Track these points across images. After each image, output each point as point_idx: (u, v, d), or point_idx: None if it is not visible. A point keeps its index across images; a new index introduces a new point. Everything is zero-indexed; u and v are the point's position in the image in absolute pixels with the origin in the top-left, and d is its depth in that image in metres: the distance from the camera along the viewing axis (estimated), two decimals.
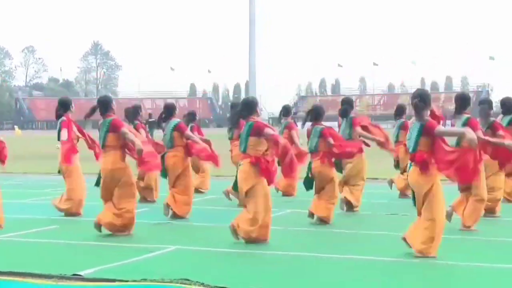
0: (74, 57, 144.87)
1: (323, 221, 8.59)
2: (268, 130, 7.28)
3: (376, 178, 13.43)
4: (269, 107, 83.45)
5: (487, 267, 6.12)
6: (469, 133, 6.38)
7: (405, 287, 5.53)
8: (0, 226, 8.34)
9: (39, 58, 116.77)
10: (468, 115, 7.89)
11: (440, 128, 6.40)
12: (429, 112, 6.52)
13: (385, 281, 5.64)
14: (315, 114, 8.91)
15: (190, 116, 12.33)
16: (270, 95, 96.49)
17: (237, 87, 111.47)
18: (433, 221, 6.32)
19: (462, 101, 8.08)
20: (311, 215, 8.67)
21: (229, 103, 71.43)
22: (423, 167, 6.37)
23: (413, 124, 6.62)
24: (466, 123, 7.78)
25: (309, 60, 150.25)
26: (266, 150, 7.27)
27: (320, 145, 8.69)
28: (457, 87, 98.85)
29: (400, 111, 11.47)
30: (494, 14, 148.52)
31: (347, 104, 10.13)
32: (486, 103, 8.90)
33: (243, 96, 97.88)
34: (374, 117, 68.87)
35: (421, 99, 6.48)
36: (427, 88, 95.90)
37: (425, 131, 6.38)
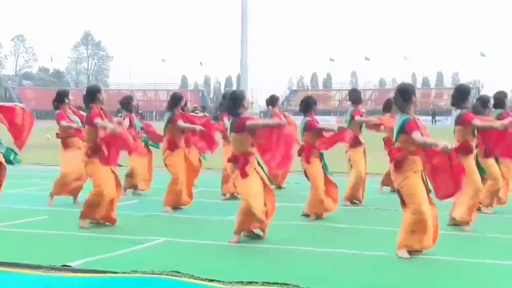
0: (65, 47, 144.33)
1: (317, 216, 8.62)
2: (252, 122, 7.11)
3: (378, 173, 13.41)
4: (260, 100, 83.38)
5: (483, 263, 6.14)
6: (441, 143, 6.17)
7: (397, 281, 5.53)
8: None
9: (29, 48, 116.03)
10: (462, 110, 7.85)
11: (416, 134, 6.23)
12: (411, 108, 6.40)
13: (378, 276, 5.65)
14: (304, 106, 8.73)
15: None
16: (261, 88, 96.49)
17: (228, 80, 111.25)
18: (413, 215, 6.29)
19: (461, 93, 7.87)
20: (306, 215, 8.68)
21: (221, 96, 71.18)
22: (396, 164, 6.36)
23: (397, 118, 6.55)
24: (458, 120, 7.78)
25: (301, 54, 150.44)
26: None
27: (305, 138, 8.64)
28: (448, 83, 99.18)
29: (388, 106, 11.48)
30: (486, 11, 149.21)
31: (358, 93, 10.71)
32: (479, 100, 8.89)
33: (234, 88, 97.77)
34: (365, 112, 68.73)
35: (401, 94, 6.41)
36: (418, 84, 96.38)
37: (404, 129, 6.34)
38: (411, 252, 6.34)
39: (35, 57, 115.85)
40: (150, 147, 11.31)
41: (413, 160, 6.35)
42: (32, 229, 7.81)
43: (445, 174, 6.37)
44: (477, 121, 7.79)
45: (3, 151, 8.47)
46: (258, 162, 7.25)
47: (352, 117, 10.07)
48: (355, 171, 9.93)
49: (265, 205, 7.11)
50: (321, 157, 8.66)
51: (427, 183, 6.48)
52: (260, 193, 7.09)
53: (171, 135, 9.29)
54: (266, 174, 7.30)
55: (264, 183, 7.18)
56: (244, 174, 7.01)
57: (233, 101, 7.21)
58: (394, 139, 6.51)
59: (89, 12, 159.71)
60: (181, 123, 9.23)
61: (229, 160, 7.25)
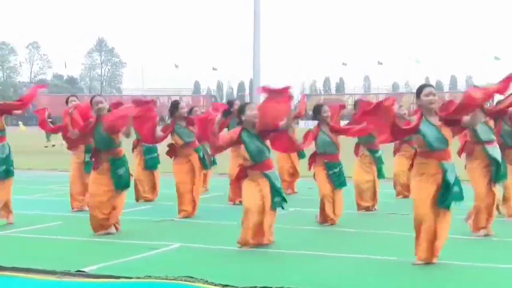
0: (78, 54, 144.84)
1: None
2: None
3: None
4: None
5: (492, 268, 6.09)
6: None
7: (407, 286, 5.50)
8: (10, 222, 8.43)
9: (44, 55, 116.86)
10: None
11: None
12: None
13: (391, 281, 5.62)
14: (315, 112, 8.62)
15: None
16: None
17: (241, 85, 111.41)
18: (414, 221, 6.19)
19: None
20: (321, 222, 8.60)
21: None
22: (410, 166, 6.33)
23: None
24: None
25: (314, 59, 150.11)
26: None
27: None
28: (461, 87, 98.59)
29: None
30: (500, 14, 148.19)
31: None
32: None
33: (247, 93, 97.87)
34: None
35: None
36: None
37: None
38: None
39: (50, 64, 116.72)
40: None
41: (421, 162, 6.09)
42: (46, 234, 7.85)
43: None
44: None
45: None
46: (272, 183, 6.94)
47: None
48: (354, 179, 9.87)
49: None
50: (328, 167, 8.44)
51: (444, 187, 6.01)
52: (255, 210, 6.85)
53: (172, 143, 9.34)
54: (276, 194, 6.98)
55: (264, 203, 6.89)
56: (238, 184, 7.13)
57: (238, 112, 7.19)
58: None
59: (103, 19, 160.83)
60: (157, 132, 8.82)
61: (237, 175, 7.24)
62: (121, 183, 7.78)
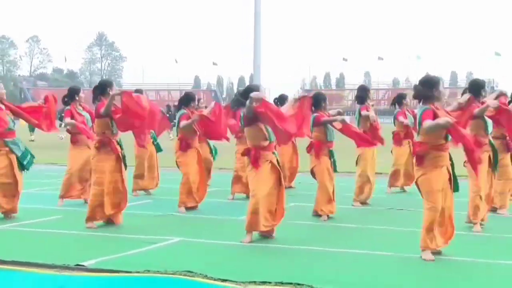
0: (78, 48, 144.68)
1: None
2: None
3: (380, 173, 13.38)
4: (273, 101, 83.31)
5: (496, 264, 6.09)
6: None
7: (407, 282, 5.50)
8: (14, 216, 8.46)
9: (44, 48, 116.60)
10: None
11: (425, 123, 6.15)
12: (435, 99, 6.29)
13: (390, 276, 5.63)
14: (314, 102, 8.43)
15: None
16: (274, 88, 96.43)
17: (241, 80, 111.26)
18: (430, 212, 6.19)
19: (474, 88, 7.67)
20: (317, 214, 8.64)
21: (234, 95, 70.79)
22: (417, 159, 6.29)
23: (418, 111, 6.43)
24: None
25: (314, 54, 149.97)
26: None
27: (314, 134, 8.54)
28: (462, 83, 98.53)
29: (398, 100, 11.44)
30: (501, 9, 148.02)
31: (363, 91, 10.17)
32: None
33: None
34: (379, 111, 68.48)
35: (423, 85, 6.24)
36: None
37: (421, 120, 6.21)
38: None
39: (50, 58, 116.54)
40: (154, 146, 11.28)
41: (437, 155, 6.15)
42: (46, 228, 7.85)
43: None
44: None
45: (19, 153, 8.53)
46: (277, 161, 7.18)
47: (360, 113, 9.97)
48: (359, 170, 9.84)
49: (276, 204, 7.07)
50: (330, 154, 8.58)
51: (453, 176, 6.29)
52: (269, 192, 7.01)
53: (183, 135, 9.29)
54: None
55: (279, 182, 7.10)
56: (256, 166, 6.97)
57: (243, 94, 7.17)
58: (417, 133, 6.39)
59: (103, 13, 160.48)
60: (183, 123, 9.17)
61: (243, 154, 7.25)
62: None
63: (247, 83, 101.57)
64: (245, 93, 7.10)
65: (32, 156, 8.71)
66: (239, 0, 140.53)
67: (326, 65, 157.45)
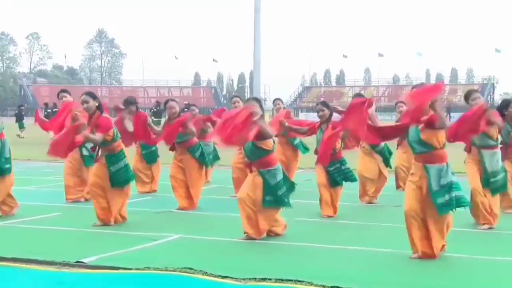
0: (78, 45, 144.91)
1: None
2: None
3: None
4: (273, 97, 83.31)
5: (498, 261, 6.09)
6: None
7: (407, 278, 5.50)
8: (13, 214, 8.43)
9: (44, 45, 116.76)
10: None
11: None
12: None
13: (391, 273, 5.62)
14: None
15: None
16: (274, 85, 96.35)
17: (241, 77, 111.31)
18: None
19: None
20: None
21: (233, 93, 70.82)
22: None
23: None
24: None
25: (314, 50, 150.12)
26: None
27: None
28: (462, 79, 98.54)
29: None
30: (501, 6, 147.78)
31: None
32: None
33: (247, 85, 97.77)
34: (379, 108, 68.56)
35: None
36: (432, 80, 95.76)
37: None
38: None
39: (49, 54, 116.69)
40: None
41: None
42: (46, 225, 7.85)
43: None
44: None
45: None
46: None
47: None
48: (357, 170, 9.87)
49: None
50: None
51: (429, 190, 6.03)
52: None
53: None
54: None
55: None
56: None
57: None
58: None
59: (103, 9, 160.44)
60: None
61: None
62: (116, 180, 7.78)
63: (247, 80, 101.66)
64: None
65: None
66: None
67: (326, 61, 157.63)
